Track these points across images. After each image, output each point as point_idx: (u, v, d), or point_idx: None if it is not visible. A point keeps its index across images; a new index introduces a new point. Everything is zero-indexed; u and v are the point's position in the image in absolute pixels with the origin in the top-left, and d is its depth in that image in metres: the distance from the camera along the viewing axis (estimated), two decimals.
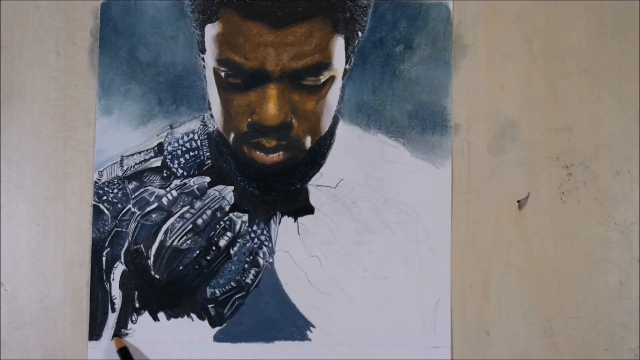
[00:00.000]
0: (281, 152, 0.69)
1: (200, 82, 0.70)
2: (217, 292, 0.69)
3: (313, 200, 0.69)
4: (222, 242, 0.69)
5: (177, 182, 0.70)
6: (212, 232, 0.69)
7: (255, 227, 0.69)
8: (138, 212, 0.69)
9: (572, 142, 0.69)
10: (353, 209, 0.69)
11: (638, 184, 0.69)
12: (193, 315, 0.68)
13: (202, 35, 0.69)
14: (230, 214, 0.69)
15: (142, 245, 0.69)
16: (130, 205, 0.69)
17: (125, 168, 0.69)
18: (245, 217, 0.69)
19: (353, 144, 0.70)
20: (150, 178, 0.70)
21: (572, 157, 0.69)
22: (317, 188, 0.69)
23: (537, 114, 0.70)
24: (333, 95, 0.69)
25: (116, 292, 0.68)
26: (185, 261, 0.69)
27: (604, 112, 0.69)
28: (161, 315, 0.68)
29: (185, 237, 0.69)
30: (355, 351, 0.68)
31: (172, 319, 0.68)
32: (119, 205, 0.69)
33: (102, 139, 0.69)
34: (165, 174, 0.70)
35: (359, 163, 0.69)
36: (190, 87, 0.70)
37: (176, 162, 0.70)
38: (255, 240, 0.69)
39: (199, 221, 0.69)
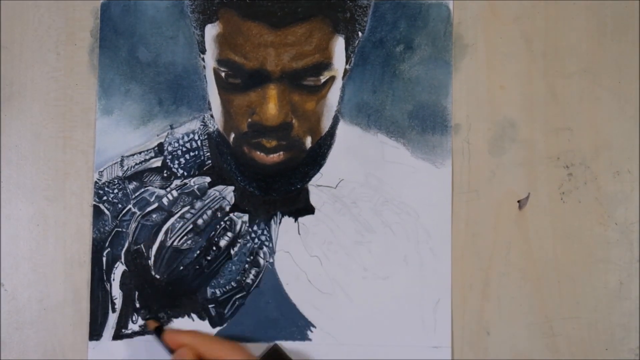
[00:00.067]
0: (281, 152, 0.69)
1: (200, 82, 0.70)
2: (218, 292, 0.69)
3: (313, 200, 0.69)
4: (223, 242, 0.69)
5: (177, 182, 0.70)
6: (213, 232, 0.69)
7: (255, 227, 0.69)
8: (138, 212, 0.69)
9: (572, 142, 0.69)
10: (353, 209, 0.69)
11: (638, 184, 0.69)
12: (194, 315, 0.68)
13: (202, 36, 0.69)
14: (231, 214, 0.69)
15: (142, 246, 0.69)
16: (130, 206, 0.69)
17: (125, 168, 0.69)
18: (246, 217, 0.69)
19: (353, 144, 0.70)
20: (151, 178, 0.70)
21: (572, 157, 0.69)
22: (318, 188, 0.69)
23: (537, 114, 0.70)
24: (333, 96, 0.69)
25: (116, 293, 0.68)
26: (185, 261, 0.69)
27: (604, 112, 0.70)
28: (161, 315, 0.68)
29: (185, 237, 0.69)
30: (355, 351, 0.68)
31: (173, 319, 0.68)
32: (119, 206, 0.69)
33: (102, 139, 0.69)
34: (165, 174, 0.70)
35: (359, 163, 0.69)
36: (190, 87, 0.70)
37: (176, 162, 0.70)
38: (256, 240, 0.69)
39: (200, 221, 0.69)
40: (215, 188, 0.69)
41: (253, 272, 0.69)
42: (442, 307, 0.68)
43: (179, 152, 0.70)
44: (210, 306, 0.68)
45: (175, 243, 0.69)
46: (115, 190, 0.69)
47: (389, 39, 0.70)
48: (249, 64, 0.68)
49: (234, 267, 0.69)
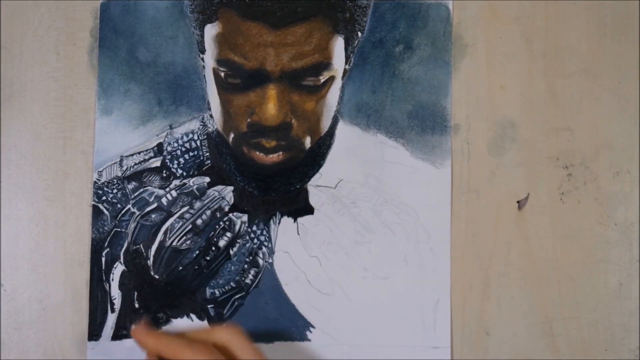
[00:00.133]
0: (281, 153, 0.69)
1: (199, 82, 0.70)
2: (217, 292, 0.68)
3: (313, 200, 0.69)
4: (222, 243, 0.69)
5: (176, 182, 0.70)
6: (212, 233, 0.69)
7: (254, 228, 0.69)
8: (137, 213, 0.69)
9: (572, 142, 0.69)
10: (353, 209, 0.69)
11: (638, 184, 0.69)
12: (193, 315, 0.68)
13: (202, 36, 0.69)
14: (230, 214, 0.69)
15: (141, 246, 0.69)
16: (129, 206, 0.69)
17: (124, 168, 0.69)
18: (245, 217, 0.69)
19: (353, 144, 0.70)
20: (150, 178, 0.70)
21: (572, 157, 0.69)
22: (317, 188, 0.69)
23: (537, 114, 0.70)
24: (333, 96, 0.69)
25: (116, 293, 0.68)
26: (184, 261, 0.69)
27: (604, 112, 0.69)
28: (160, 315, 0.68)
29: (184, 238, 0.69)
30: (355, 351, 0.68)
31: (172, 319, 0.68)
32: (119, 206, 0.69)
33: (101, 139, 0.69)
34: (164, 174, 0.70)
35: (358, 163, 0.69)
36: (189, 87, 0.70)
37: (176, 162, 0.70)
38: (255, 240, 0.69)
39: (199, 221, 0.69)
40: (215, 188, 0.69)
41: (252, 272, 0.69)
42: (441, 307, 0.68)
43: (178, 152, 0.70)
44: (209, 306, 0.68)
45: (174, 243, 0.69)
46: (115, 190, 0.69)
47: (389, 39, 0.70)
48: (249, 64, 0.68)
49: (233, 267, 0.69)
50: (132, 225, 0.69)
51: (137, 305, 0.68)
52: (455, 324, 0.68)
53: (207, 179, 0.70)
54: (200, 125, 0.70)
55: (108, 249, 0.69)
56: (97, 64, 0.70)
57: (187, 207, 0.69)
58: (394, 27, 0.70)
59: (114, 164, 0.69)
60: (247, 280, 0.69)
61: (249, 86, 0.69)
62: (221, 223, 0.69)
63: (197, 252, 0.69)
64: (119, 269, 0.68)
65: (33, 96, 0.70)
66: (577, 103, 0.70)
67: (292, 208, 0.69)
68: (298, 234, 0.69)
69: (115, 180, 0.69)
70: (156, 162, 0.70)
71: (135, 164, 0.69)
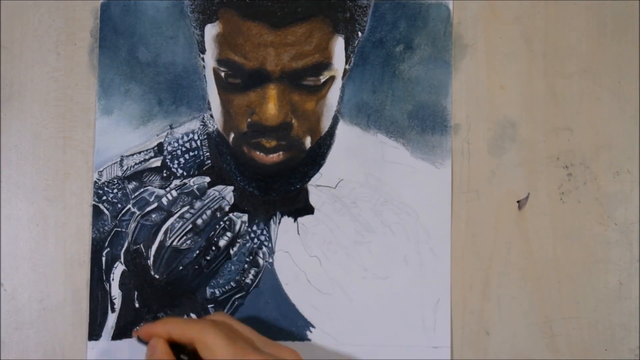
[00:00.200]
0: (281, 152, 0.69)
1: (200, 82, 0.70)
2: (217, 292, 0.69)
3: (313, 200, 0.69)
4: (222, 242, 0.69)
5: (176, 182, 0.70)
6: (212, 232, 0.69)
7: (255, 227, 0.69)
8: (138, 212, 0.69)
9: (572, 142, 0.69)
10: (353, 209, 0.69)
11: (638, 184, 0.69)
12: (193, 315, 0.68)
13: (202, 35, 0.69)
14: (230, 214, 0.69)
15: (141, 245, 0.69)
16: (130, 205, 0.69)
17: (125, 168, 0.69)
18: (245, 217, 0.69)
19: (353, 144, 0.70)
20: (150, 178, 0.70)
21: (572, 157, 0.69)
22: (317, 188, 0.69)
23: (537, 114, 0.70)
24: (333, 96, 0.69)
25: (116, 292, 0.68)
26: (185, 261, 0.69)
27: (604, 112, 0.69)
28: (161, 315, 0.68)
29: (185, 237, 0.69)
30: (355, 351, 0.68)
31: None
32: (119, 205, 0.69)
33: (102, 139, 0.69)
34: (165, 174, 0.70)
35: (359, 163, 0.69)
36: (190, 87, 0.70)
37: (176, 162, 0.70)
38: (255, 240, 0.69)
39: (199, 221, 0.69)
40: (215, 188, 0.69)
41: (252, 272, 0.69)
42: (441, 307, 0.68)
43: (179, 152, 0.70)
44: (209, 306, 0.68)
45: (174, 243, 0.69)
46: (115, 190, 0.69)
47: (389, 39, 0.70)
48: (249, 64, 0.68)
49: (233, 267, 0.69)
50: (132, 225, 0.69)
51: (137, 305, 0.68)
52: (455, 324, 0.68)
53: (208, 179, 0.70)
54: (201, 125, 0.70)
55: (108, 249, 0.69)
56: (97, 64, 0.70)
57: (188, 207, 0.69)
58: (394, 27, 0.70)
59: (114, 163, 0.69)
60: (248, 280, 0.69)
61: (249, 86, 0.69)
62: (221, 223, 0.69)
63: (198, 251, 0.69)
64: (119, 268, 0.69)
65: (33, 96, 0.70)
66: (577, 103, 0.70)
67: (293, 208, 0.69)
68: (298, 233, 0.69)
69: (115, 180, 0.69)
70: (156, 162, 0.70)
71: (136, 164, 0.70)
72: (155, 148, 0.70)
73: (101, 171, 0.69)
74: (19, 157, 0.70)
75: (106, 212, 0.69)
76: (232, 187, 0.69)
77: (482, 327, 0.68)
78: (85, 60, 0.70)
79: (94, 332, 0.68)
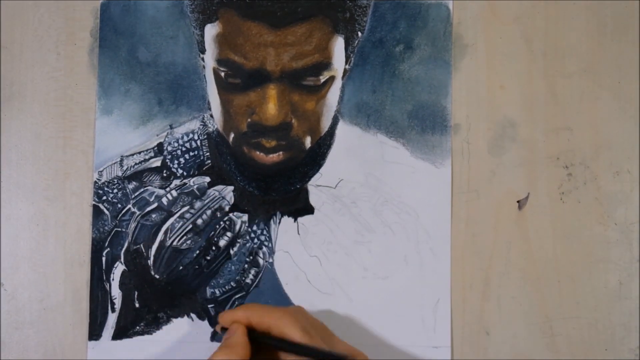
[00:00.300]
0: (281, 152, 0.69)
1: (200, 82, 0.70)
2: (217, 292, 0.69)
3: (313, 200, 0.69)
4: (222, 242, 0.69)
5: (177, 182, 0.70)
6: (212, 232, 0.69)
7: (255, 227, 0.69)
8: (138, 212, 0.69)
9: (572, 142, 0.69)
10: (353, 209, 0.69)
11: (638, 184, 0.69)
12: (193, 315, 0.68)
13: (202, 35, 0.69)
14: (230, 214, 0.69)
15: (142, 245, 0.69)
16: (130, 205, 0.69)
17: (125, 168, 0.69)
18: (245, 217, 0.69)
19: (353, 144, 0.70)
20: (150, 178, 0.70)
21: (572, 157, 0.69)
22: (317, 188, 0.69)
23: (537, 114, 0.70)
24: (333, 95, 0.69)
25: (116, 292, 0.68)
26: (185, 261, 0.69)
27: (604, 112, 0.69)
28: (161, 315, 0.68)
29: (185, 237, 0.69)
30: None
31: (172, 319, 0.68)
32: (119, 205, 0.69)
33: (102, 139, 0.69)
34: (165, 174, 0.70)
35: (358, 163, 0.69)
36: (190, 87, 0.70)
37: (176, 162, 0.70)
38: (255, 240, 0.69)
39: (199, 221, 0.69)
40: (215, 188, 0.69)
41: (252, 272, 0.69)
42: (441, 307, 0.68)
43: (179, 152, 0.70)
44: (209, 306, 0.68)
45: (174, 243, 0.69)
46: (115, 190, 0.69)
47: (389, 39, 0.70)
48: (249, 64, 0.68)
49: (233, 267, 0.69)
50: (132, 225, 0.69)
51: (137, 305, 0.68)
52: (455, 323, 0.68)
53: (208, 179, 0.70)
54: (201, 125, 0.70)
55: (108, 249, 0.69)
56: (97, 64, 0.70)
57: (188, 207, 0.69)
58: (394, 27, 0.70)
59: (115, 163, 0.69)
60: (248, 280, 0.69)
61: (249, 86, 0.69)
62: (221, 223, 0.69)
63: (198, 251, 0.69)
64: (119, 268, 0.69)
65: (33, 96, 0.70)
66: (577, 103, 0.70)
67: (293, 208, 0.69)
68: (298, 233, 0.69)
69: (115, 180, 0.69)
70: (156, 162, 0.70)
71: (136, 164, 0.70)
72: (155, 148, 0.70)
73: (101, 171, 0.69)
74: (19, 157, 0.70)
75: (106, 212, 0.69)
76: (232, 187, 0.69)
77: (482, 327, 0.68)
78: (85, 60, 0.70)
79: (94, 332, 0.68)
